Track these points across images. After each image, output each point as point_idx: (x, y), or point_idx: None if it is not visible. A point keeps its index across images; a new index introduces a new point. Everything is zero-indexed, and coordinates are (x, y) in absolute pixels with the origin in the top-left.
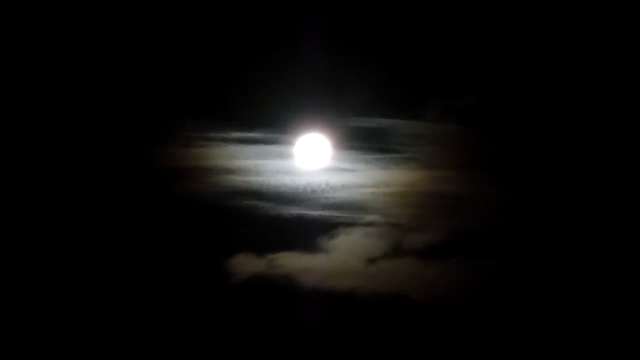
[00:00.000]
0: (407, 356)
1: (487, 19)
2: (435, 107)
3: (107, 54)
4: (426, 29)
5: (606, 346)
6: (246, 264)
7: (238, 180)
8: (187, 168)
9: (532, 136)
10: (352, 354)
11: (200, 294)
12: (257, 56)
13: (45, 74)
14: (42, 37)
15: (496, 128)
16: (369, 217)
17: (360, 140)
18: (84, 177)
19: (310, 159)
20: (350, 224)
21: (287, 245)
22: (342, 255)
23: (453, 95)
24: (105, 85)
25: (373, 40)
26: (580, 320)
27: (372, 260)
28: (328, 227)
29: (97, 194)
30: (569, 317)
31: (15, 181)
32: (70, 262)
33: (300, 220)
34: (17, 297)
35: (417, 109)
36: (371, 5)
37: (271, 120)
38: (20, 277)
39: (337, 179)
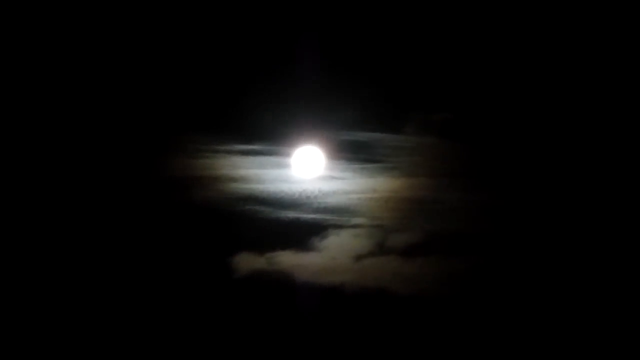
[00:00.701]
0: (390, 343)
1: (459, 42)
2: (414, 121)
3: (124, 76)
4: (407, 53)
5: (581, 336)
6: (248, 261)
7: (241, 187)
8: (195, 177)
9: (504, 147)
10: (341, 341)
11: (207, 287)
12: (258, 78)
13: (63, 89)
14: (60, 53)
15: (469, 140)
16: (356, 220)
17: (349, 152)
18: (102, 183)
19: (305, 169)
20: (340, 226)
21: (284, 244)
22: (332, 253)
23: (430, 110)
24: (120, 104)
25: (361, 63)
26: (553, 309)
27: (358, 258)
28: (320, 229)
29: (113, 199)
30: (540, 305)
31: (32, 188)
32: (87, 255)
33: (296, 223)
34: (27, 298)
35: (398, 123)
36: (360, 33)
37: (270, 134)
38: (32, 279)
39: (328, 186)
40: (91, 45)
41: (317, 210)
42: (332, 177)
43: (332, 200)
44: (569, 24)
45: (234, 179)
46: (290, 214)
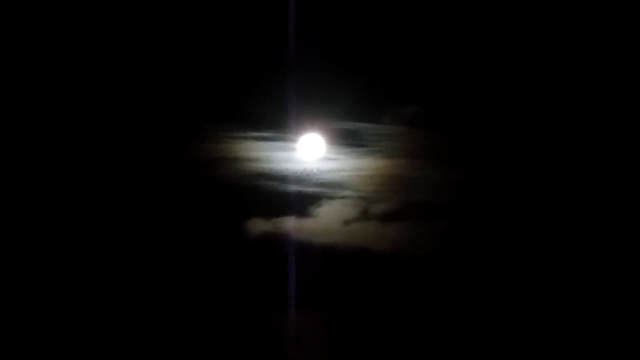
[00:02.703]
0: (370, 290)
1: (428, 48)
2: (391, 114)
3: (150, 78)
4: (387, 58)
5: (536, 298)
6: (258, 224)
7: (254, 166)
8: (218, 157)
9: (465, 133)
10: (332, 288)
11: (226, 244)
12: (270, 80)
13: (91, 87)
14: (81, 52)
15: (435, 128)
16: (345, 192)
17: (341, 138)
18: (136, 164)
19: (306, 151)
20: (332, 197)
21: (288, 212)
22: (325, 219)
23: (403, 105)
24: (158, 102)
25: (352, 67)
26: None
27: (347, 223)
28: (316, 199)
29: (146, 176)
30: (497, 261)
31: (78, 170)
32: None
33: (297, 195)
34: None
35: (379, 115)
36: (351, 42)
37: (278, 123)
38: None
39: (324, 166)
40: (127, 53)
41: (315, 184)
42: (328, 159)
43: (327, 177)
44: (532, 19)
45: (248, 160)
46: (293, 188)
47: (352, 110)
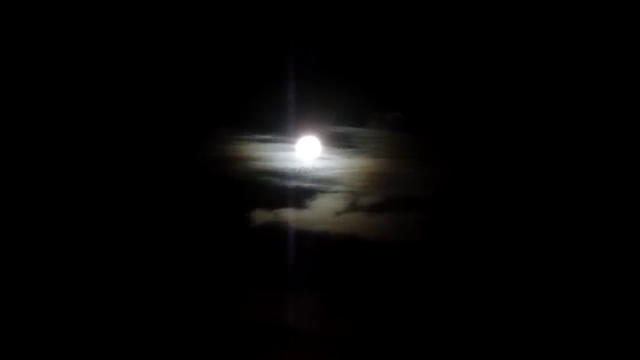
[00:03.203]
0: (358, 272)
1: (409, 61)
2: (376, 119)
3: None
4: (372, 71)
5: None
6: (262, 215)
7: (258, 165)
8: (226, 157)
9: (441, 136)
10: (325, 269)
11: (232, 232)
12: (274, 90)
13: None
14: (99, 56)
15: (414, 132)
16: (337, 187)
17: (334, 141)
18: (161, 161)
19: (304, 152)
20: (325, 191)
21: (287, 204)
22: (319, 210)
23: (385, 111)
24: (174, 111)
25: (343, 78)
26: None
27: (338, 213)
28: (312, 193)
29: (168, 171)
30: (472, 249)
31: (97, 166)
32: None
33: (296, 189)
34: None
35: (365, 121)
36: (342, 55)
37: (280, 127)
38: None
39: (319, 164)
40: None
41: (311, 180)
42: (322, 158)
43: (321, 174)
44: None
45: (253, 159)
46: (292, 183)
47: (343, 117)
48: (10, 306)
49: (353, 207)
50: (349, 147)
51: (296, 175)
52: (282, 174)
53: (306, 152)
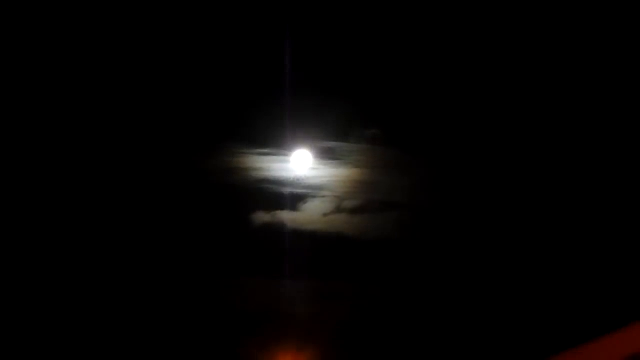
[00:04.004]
0: (342, 266)
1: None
2: (354, 135)
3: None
4: (354, 91)
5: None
6: (260, 216)
7: (257, 174)
8: (229, 167)
9: (414, 150)
10: (313, 263)
11: (235, 231)
12: (270, 110)
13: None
14: (101, 68)
15: (390, 146)
16: (325, 192)
17: (323, 153)
18: (168, 172)
19: (297, 163)
20: (315, 196)
21: (283, 207)
22: (310, 212)
23: (364, 128)
24: (180, 127)
25: (331, 98)
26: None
27: (325, 215)
28: (304, 198)
29: (175, 180)
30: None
31: (103, 178)
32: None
33: (290, 194)
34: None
35: (348, 136)
36: (333, 75)
37: (277, 142)
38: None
39: (310, 173)
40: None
41: (303, 187)
42: (313, 168)
43: (312, 182)
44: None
45: (253, 169)
46: (287, 190)
47: (331, 133)
48: (10, 306)
49: (338, 210)
50: (335, 159)
51: (290, 183)
52: (278, 182)
53: (299, 163)
